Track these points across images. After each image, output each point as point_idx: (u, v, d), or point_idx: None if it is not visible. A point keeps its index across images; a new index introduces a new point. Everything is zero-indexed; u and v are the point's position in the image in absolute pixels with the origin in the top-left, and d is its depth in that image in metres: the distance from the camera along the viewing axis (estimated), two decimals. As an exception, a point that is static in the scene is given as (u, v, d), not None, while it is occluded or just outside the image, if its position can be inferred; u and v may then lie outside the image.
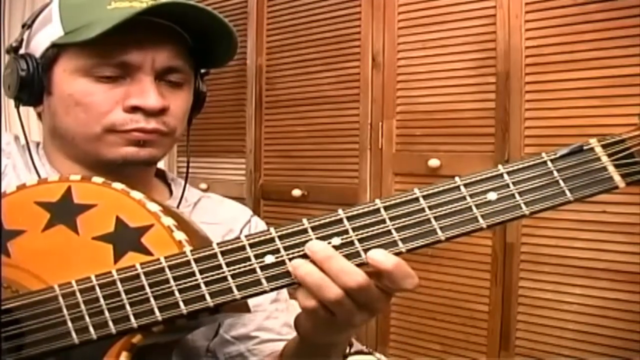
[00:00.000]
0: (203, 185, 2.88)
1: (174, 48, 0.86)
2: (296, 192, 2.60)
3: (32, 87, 0.85)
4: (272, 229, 0.65)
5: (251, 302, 0.72)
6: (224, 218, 1.00)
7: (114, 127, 0.83)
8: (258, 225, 1.04)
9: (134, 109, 0.83)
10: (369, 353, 2.07)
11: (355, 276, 0.63)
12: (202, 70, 0.96)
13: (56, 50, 0.84)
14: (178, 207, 0.95)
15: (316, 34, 2.57)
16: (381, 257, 0.63)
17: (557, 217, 1.88)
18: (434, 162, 2.20)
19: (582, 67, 1.90)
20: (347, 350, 0.83)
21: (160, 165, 0.99)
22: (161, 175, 1.02)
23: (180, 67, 0.87)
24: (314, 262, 0.63)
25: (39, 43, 0.86)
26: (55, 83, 0.85)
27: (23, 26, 0.90)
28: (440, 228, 0.63)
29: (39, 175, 0.87)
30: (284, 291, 0.98)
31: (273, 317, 0.96)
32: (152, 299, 0.65)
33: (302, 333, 0.73)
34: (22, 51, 0.88)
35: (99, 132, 0.84)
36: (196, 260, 0.65)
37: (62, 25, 0.84)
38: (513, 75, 2.03)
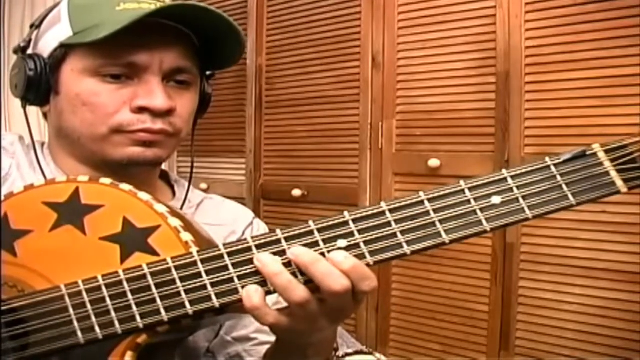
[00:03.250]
0: (203, 185, 2.88)
1: (182, 49, 0.86)
2: (296, 192, 2.60)
3: (40, 86, 0.85)
4: (278, 231, 0.65)
5: None
6: (227, 220, 1.01)
7: (121, 127, 0.83)
8: (260, 227, 1.05)
9: (141, 110, 0.83)
10: (369, 353, 2.07)
11: (341, 279, 0.63)
12: (208, 73, 0.97)
13: (64, 50, 0.84)
14: (181, 208, 0.95)
15: (316, 34, 2.57)
16: (340, 259, 0.63)
17: (557, 217, 1.88)
18: (434, 162, 2.20)
19: (582, 67, 1.90)
20: (334, 354, 0.83)
21: (162, 166, 0.99)
22: (164, 176, 1.03)
23: (188, 68, 0.87)
24: (298, 266, 0.64)
25: (47, 43, 0.86)
26: (63, 83, 0.85)
27: (31, 26, 0.91)
28: (445, 231, 0.64)
29: (44, 175, 0.87)
30: None
31: None
32: (158, 299, 0.65)
33: (277, 335, 0.75)
34: (30, 51, 0.89)
35: (105, 132, 0.84)
36: (203, 261, 0.65)
37: (71, 26, 0.85)
38: (513, 75, 2.03)
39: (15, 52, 0.89)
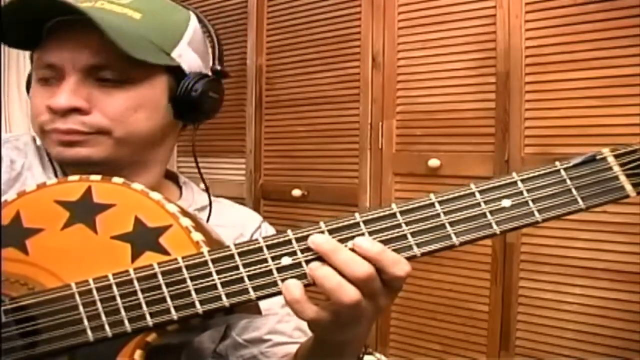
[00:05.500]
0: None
1: (98, 45, 0.81)
2: (296, 192, 2.61)
3: (29, 88, 0.89)
4: (289, 231, 0.66)
5: (261, 305, 0.72)
6: (235, 222, 1.01)
7: (42, 127, 0.84)
8: (268, 230, 1.04)
9: (51, 110, 0.83)
10: (369, 353, 2.08)
11: (363, 266, 0.62)
12: (209, 72, 0.92)
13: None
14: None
15: (316, 34, 2.57)
16: (367, 245, 0.63)
17: (558, 218, 1.89)
18: (434, 162, 2.21)
19: (582, 67, 1.91)
20: (363, 351, 0.82)
21: (166, 165, 0.99)
22: (173, 177, 1.03)
23: (110, 64, 0.82)
24: (320, 255, 0.63)
25: None
26: None
27: None
28: (455, 233, 0.64)
29: (56, 175, 0.88)
30: None
31: (285, 321, 0.96)
32: (168, 298, 0.65)
33: (315, 332, 0.73)
34: None
35: (38, 133, 0.86)
36: (213, 261, 0.65)
37: None
38: (513, 75, 2.04)
39: None
